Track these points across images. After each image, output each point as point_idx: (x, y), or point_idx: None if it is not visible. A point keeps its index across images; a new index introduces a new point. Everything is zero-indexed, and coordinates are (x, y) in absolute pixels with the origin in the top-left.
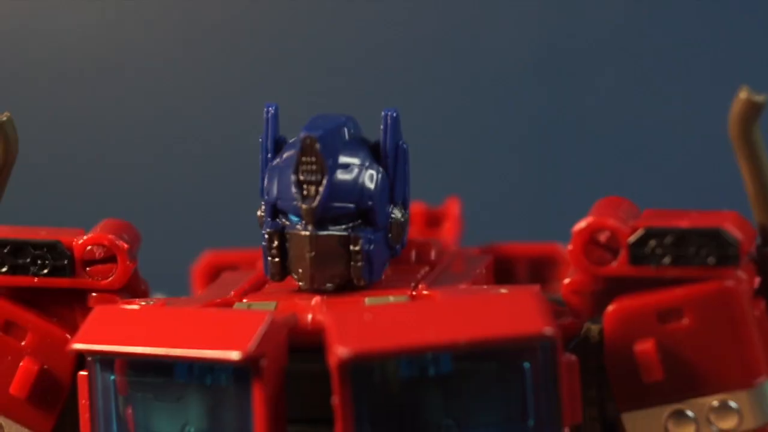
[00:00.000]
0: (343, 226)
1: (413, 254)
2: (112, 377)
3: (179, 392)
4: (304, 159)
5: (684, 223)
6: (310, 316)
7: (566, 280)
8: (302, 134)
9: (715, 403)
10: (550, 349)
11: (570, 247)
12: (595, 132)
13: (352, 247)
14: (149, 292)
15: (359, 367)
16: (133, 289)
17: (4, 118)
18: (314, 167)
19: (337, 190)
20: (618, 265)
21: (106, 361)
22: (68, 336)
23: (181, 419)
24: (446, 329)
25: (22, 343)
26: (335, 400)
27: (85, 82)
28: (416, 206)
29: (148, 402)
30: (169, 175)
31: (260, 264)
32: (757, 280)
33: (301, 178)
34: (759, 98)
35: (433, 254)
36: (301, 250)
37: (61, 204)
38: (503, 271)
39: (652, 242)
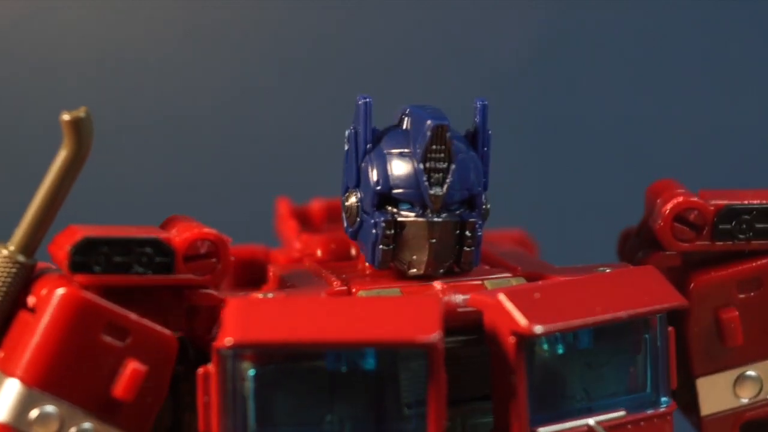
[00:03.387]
0: (455, 212)
1: None
2: (251, 372)
3: (323, 382)
4: (433, 147)
5: (754, 200)
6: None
7: (647, 258)
8: (432, 123)
9: None
10: (664, 321)
11: (660, 224)
12: (588, 128)
13: (466, 233)
14: None
15: (530, 344)
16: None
17: (83, 114)
18: (443, 155)
19: (459, 177)
20: (703, 241)
21: (243, 355)
22: (168, 334)
23: (323, 409)
24: (609, 304)
25: (125, 344)
26: (513, 378)
27: (75, 79)
28: None
29: (288, 394)
30: (158, 172)
31: (293, 258)
32: None
33: (428, 165)
34: None
35: None
36: (419, 238)
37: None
38: None
39: (735, 219)
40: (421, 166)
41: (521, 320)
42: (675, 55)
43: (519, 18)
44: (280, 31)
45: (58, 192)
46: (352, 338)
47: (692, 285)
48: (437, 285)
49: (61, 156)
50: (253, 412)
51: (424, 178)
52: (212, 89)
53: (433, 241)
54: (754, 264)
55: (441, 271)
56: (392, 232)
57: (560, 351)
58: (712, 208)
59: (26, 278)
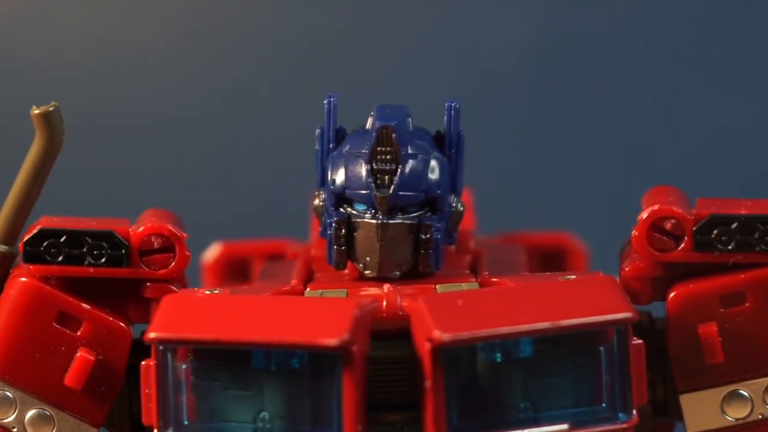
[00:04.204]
0: (412, 215)
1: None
2: (185, 366)
3: (254, 379)
4: (379, 149)
5: (745, 211)
6: (384, 303)
7: (626, 267)
8: (377, 124)
9: None
10: (623, 334)
11: (635, 233)
12: (607, 124)
13: (422, 236)
14: (188, 282)
15: (451, 352)
16: (181, 279)
17: (51, 108)
18: (389, 156)
19: (410, 179)
20: (682, 252)
21: (179, 350)
22: (123, 325)
23: (256, 406)
24: (537, 314)
25: (77, 334)
26: (427, 384)
27: (87, 72)
28: None
29: (222, 390)
30: (178, 165)
31: (296, 253)
32: None
33: (375, 167)
34: None
35: (472, 243)
36: (370, 239)
37: (68, 197)
38: None
39: (717, 229)
40: (368, 166)
41: (432, 327)
42: (686, 53)
43: (520, 17)
44: (286, 28)
45: (33, 184)
46: (263, 339)
47: (670, 297)
48: (385, 287)
49: (34, 149)
50: (185, 406)
51: (370, 180)
52: (228, 85)
53: (383, 242)
54: (737, 277)
55: (397, 273)
56: (344, 232)
57: (498, 359)
58: (691, 217)
59: (8, 267)
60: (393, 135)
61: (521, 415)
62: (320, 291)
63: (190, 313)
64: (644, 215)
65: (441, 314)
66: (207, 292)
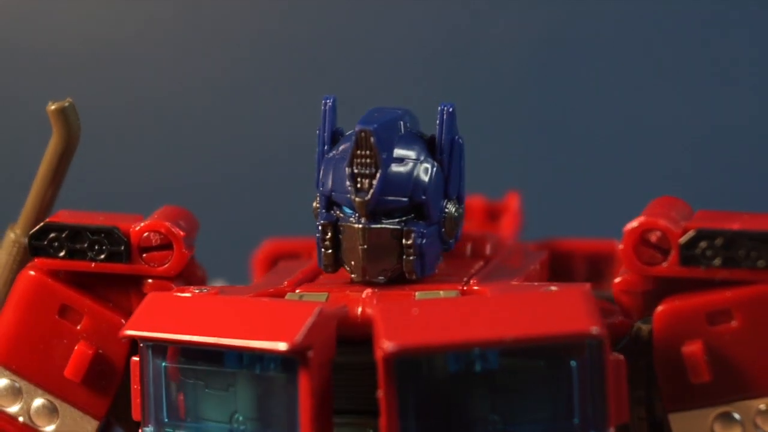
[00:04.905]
0: (396, 220)
1: (468, 248)
2: (164, 364)
3: (229, 380)
4: (358, 152)
5: (735, 226)
6: (360, 309)
7: (617, 280)
8: (357, 127)
9: (763, 406)
10: (597, 348)
11: (621, 246)
12: (655, 128)
13: (404, 241)
14: (206, 279)
15: (405, 361)
16: (189, 276)
17: (66, 104)
18: (368, 161)
19: (391, 184)
20: (668, 266)
21: (158, 347)
22: (123, 321)
23: (231, 407)
24: (493, 326)
25: (78, 327)
26: (380, 393)
27: (138, 65)
28: (476, 200)
29: (198, 389)
30: (230, 163)
31: (315, 254)
32: None
33: (355, 170)
34: None
35: (488, 249)
36: (353, 243)
37: (121, 191)
38: (560, 267)
39: (703, 244)
40: (350, 170)
41: (381, 336)
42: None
43: (525, 17)
44: (300, 28)
45: (53, 177)
46: (219, 340)
47: (656, 312)
48: (365, 292)
49: (52, 143)
50: (165, 404)
51: (349, 184)
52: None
53: (365, 247)
54: (723, 294)
55: (382, 278)
56: (329, 235)
57: (462, 371)
58: (678, 230)
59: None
60: (372, 139)
61: (489, 427)
62: (300, 294)
63: (166, 312)
64: (629, 227)
65: (393, 323)
66: (196, 291)
